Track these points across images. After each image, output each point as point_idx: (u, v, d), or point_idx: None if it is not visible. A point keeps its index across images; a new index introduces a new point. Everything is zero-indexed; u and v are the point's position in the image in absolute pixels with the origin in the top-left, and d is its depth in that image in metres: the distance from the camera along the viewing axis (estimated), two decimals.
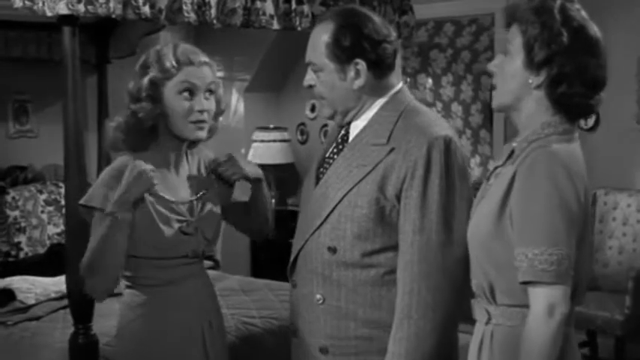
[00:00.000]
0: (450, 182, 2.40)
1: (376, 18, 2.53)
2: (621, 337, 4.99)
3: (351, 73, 2.48)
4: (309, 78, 2.56)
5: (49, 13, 3.04)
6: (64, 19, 3.09)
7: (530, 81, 2.16)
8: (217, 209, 2.80)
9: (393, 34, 2.55)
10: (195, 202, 2.73)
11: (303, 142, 7.51)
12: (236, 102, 7.32)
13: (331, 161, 2.57)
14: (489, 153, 6.96)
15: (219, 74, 7.52)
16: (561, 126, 2.17)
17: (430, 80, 9.25)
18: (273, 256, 7.24)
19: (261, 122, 7.30)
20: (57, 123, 5.61)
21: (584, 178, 2.12)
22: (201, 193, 2.75)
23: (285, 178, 7.46)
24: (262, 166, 6.99)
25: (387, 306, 2.46)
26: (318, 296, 2.51)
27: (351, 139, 2.55)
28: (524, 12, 2.16)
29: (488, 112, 9.02)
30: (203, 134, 2.70)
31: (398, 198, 2.42)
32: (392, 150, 2.43)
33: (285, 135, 7.24)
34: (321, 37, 2.50)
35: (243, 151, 7.34)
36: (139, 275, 2.68)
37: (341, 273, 2.48)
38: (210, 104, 2.69)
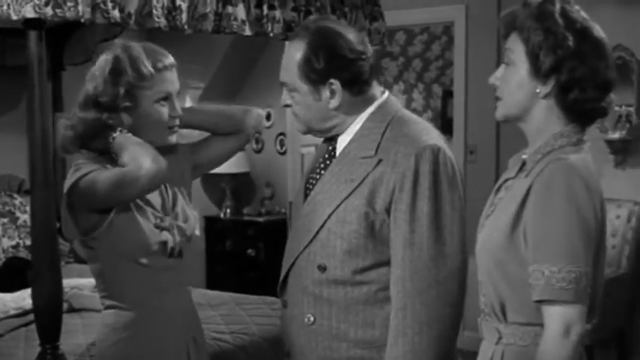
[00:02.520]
0: (439, 193, 2.32)
1: (350, 34, 2.42)
2: (589, 346, 4.98)
3: (326, 94, 2.40)
4: (285, 98, 2.50)
5: (14, 17, 2.93)
6: (29, 23, 2.96)
7: (538, 90, 2.08)
8: (189, 205, 2.72)
9: (369, 49, 2.45)
10: (167, 200, 2.64)
11: (258, 151, 7.42)
12: None
13: (318, 177, 2.49)
14: None
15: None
16: (575, 136, 2.10)
17: (381, 88, 9.26)
18: (228, 268, 7.16)
19: None
20: (11, 132, 5.54)
21: (600, 191, 2.06)
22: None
23: (241, 187, 7.38)
24: (217, 176, 7.07)
25: (380, 325, 2.38)
26: (309, 316, 2.43)
27: (338, 153, 2.47)
28: (524, 20, 2.08)
29: (439, 120, 9.06)
30: (174, 139, 2.63)
31: (388, 211, 2.34)
32: (380, 162, 2.35)
33: None
34: (294, 57, 2.41)
35: None
36: (121, 290, 2.56)
37: (332, 291, 2.39)
38: (180, 107, 2.62)
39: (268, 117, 7.25)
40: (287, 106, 2.51)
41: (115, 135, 2.48)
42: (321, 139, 2.57)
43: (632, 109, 5.48)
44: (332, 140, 2.51)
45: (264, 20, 3.59)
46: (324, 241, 2.39)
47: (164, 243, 2.55)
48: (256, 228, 7.07)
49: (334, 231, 2.37)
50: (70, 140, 2.54)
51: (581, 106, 2.07)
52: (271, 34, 3.62)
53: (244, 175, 7.34)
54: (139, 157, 2.42)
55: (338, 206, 2.37)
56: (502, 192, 2.20)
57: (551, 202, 1.97)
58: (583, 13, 2.12)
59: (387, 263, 2.37)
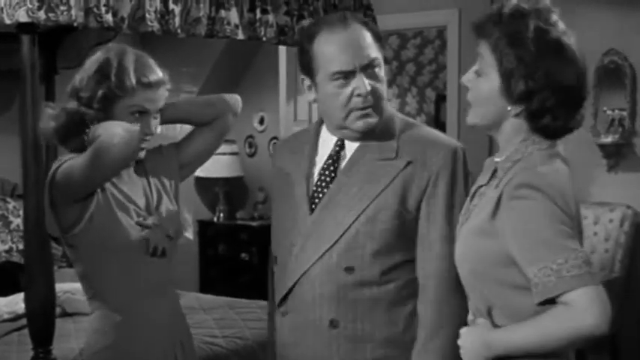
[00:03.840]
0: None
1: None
2: (582, 351, 4.98)
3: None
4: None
5: (7, 21, 2.91)
6: (23, 27, 2.95)
7: (509, 109, 2.08)
8: (173, 205, 2.71)
9: None
10: (151, 200, 2.64)
11: (251, 155, 7.42)
12: None
13: (325, 182, 2.49)
14: None
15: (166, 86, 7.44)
16: (545, 142, 2.10)
17: None
18: (222, 272, 7.15)
19: None
20: (3, 136, 5.51)
21: (573, 195, 2.04)
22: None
23: (234, 191, 7.38)
24: (210, 180, 7.05)
25: (403, 323, 2.43)
26: (330, 320, 2.42)
27: (348, 157, 2.48)
28: (497, 40, 2.05)
29: (433, 124, 9.06)
30: (142, 155, 2.64)
31: (417, 209, 2.41)
32: (408, 164, 2.41)
33: (234, 148, 7.14)
34: (366, 35, 2.43)
35: None
36: (105, 290, 2.56)
37: (357, 293, 2.41)
38: (157, 127, 2.62)
39: (262, 121, 7.25)
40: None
41: (88, 130, 2.49)
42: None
43: (624, 113, 5.50)
44: (336, 148, 2.52)
45: (257, 24, 3.58)
46: (351, 242, 2.40)
47: (146, 240, 2.55)
48: (250, 232, 7.06)
49: (364, 231, 2.40)
50: (51, 131, 2.57)
51: (552, 130, 2.08)
52: (264, 39, 3.62)
53: (238, 179, 7.34)
54: (110, 127, 2.43)
55: (367, 206, 2.40)
56: (476, 199, 2.20)
57: (528, 205, 1.97)
58: (560, 25, 2.08)
59: (410, 261, 2.43)
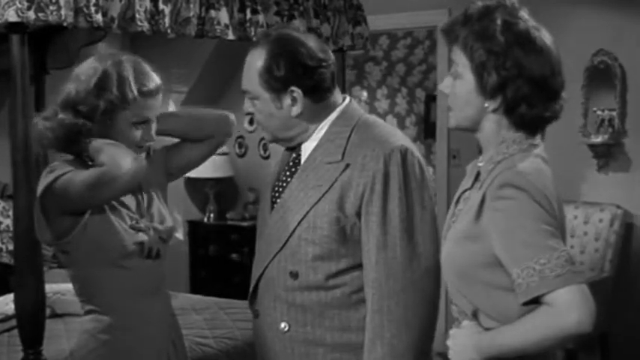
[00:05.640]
0: (409, 194, 2.36)
1: (312, 42, 2.45)
2: (573, 350, 5.00)
3: (288, 101, 2.42)
4: (247, 106, 2.50)
5: None
6: (12, 27, 2.94)
7: (487, 105, 2.08)
8: (164, 207, 2.71)
9: (331, 57, 2.49)
10: (142, 202, 2.64)
11: (241, 156, 7.41)
12: None
13: (285, 184, 2.50)
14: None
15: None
16: (526, 142, 2.10)
17: (365, 93, 9.26)
18: (212, 273, 7.14)
19: None
20: None
21: (555, 194, 2.04)
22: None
23: (224, 191, 7.37)
24: (200, 180, 7.04)
25: (356, 327, 2.40)
26: (283, 324, 2.43)
27: (303, 160, 2.48)
28: (466, 37, 2.07)
29: (422, 124, 9.07)
30: None
31: (358, 215, 2.37)
32: (347, 166, 2.37)
33: (224, 148, 7.12)
34: (255, 65, 2.42)
35: None
36: (99, 294, 2.55)
37: (305, 297, 2.40)
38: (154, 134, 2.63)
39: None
40: (249, 114, 2.50)
41: (89, 140, 2.48)
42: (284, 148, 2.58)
43: (614, 113, 5.50)
44: (295, 148, 2.52)
45: (248, 25, 3.59)
46: (295, 248, 2.40)
47: (140, 244, 2.54)
48: (240, 232, 7.05)
49: (305, 237, 2.38)
50: (48, 142, 2.54)
51: (529, 119, 2.08)
52: (254, 39, 3.55)
53: (228, 179, 7.33)
54: (118, 157, 2.42)
55: (307, 212, 2.38)
56: (461, 203, 2.20)
57: (510, 205, 1.97)
58: (529, 20, 2.09)
59: (359, 266, 2.39)
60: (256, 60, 2.41)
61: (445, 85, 2.17)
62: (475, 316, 2.09)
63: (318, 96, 2.43)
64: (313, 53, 2.41)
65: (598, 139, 5.55)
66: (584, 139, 5.56)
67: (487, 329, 2.05)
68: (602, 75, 5.55)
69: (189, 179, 7.20)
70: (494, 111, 2.08)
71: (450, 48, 2.14)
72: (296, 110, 2.42)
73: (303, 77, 2.40)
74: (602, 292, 5.02)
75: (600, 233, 5.37)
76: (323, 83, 2.43)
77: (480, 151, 2.22)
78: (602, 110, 5.53)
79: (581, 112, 5.56)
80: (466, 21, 2.09)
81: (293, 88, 2.40)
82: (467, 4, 2.15)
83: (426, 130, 8.82)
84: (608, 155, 5.58)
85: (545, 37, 2.09)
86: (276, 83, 2.39)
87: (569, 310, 1.87)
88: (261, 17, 3.62)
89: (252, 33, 3.60)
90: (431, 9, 6.32)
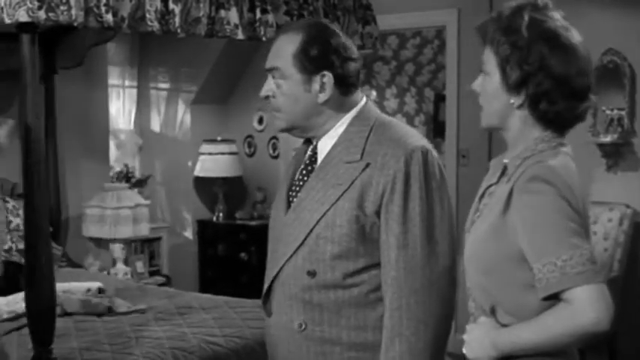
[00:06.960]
0: (430, 194, 2.36)
1: (343, 36, 2.47)
2: (582, 350, 4.97)
3: (316, 86, 2.41)
4: (269, 88, 2.47)
5: (7, 21, 2.92)
6: (22, 27, 2.96)
7: (512, 101, 2.10)
8: None
9: (360, 55, 2.51)
10: None
11: (250, 155, 7.42)
12: (182, 114, 7.18)
13: (301, 183, 2.49)
14: None
15: (165, 86, 7.47)
16: (554, 140, 2.11)
17: (374, 92, 9.27)
18: (221, 272, 7.15)
19: (208, 135, 7.17)
20: None
21: (583, 192, 2.06)
22: None
23: (233, 191, 7.37)
24: (209, 179, 7.05)
25: (372, 326, 2.40)
26: (299, 323, 2.43)
27: (320, 158, 2.48)
28: (494, 32, 2.10)
29: (431, 124, 9.07)
30: None
31: (377, 214, 2.36)
32: (367, 165, 2.37)
33: (233, 148, 7.14)
34: (289, 45, 2.42)
35: (190, 164, 7.22)
36: None
37: (322, 296, 2.40)
38: None
39: (261, 121, 7.25)
40: (267, 97, 2.48)
41: None
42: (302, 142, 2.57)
43: (623, 112, 5.49)
44: (310, 143, 2.53)
45: (257, 24, 3.60)
46: (313, 246, 2.39)
47: None
48: (249, 232, 7.05)
49: (324, 236, 2.38)
50: None
51: (553, 116, 2.08)
52: (264, 38, 3.63)
53: (237, 179, 7.33)
54: None
55: (327, 211, 2.38)
56: (486, 198, 2.21)
57: (537, 200, 1.98)
58: (557, 19, 2.11)
59: (377, 265, 2.38)
60: (291, 41, 2.42)
61: (476, 84, 2.19)
62: (493, 312, 2.09)
63: (345, 88, 2.44)
64: (346, 45, 2.45)
65: (607, 139, 5.54)
66: (593, 139, 5.54)
67: (504, 326, 2.06)
68: (611, 74, 5.54)
69: (198, 179, 7.22)
70: (520, 107, 2.09)
71: (483, 48, 2.16)
72: (323, 97, 2.42)
73: (336, 64, 2.41)
74: (610, 292, 5.00)
75: (609, 233, 5.36)
76: (351, 76, 2.45)
77: (489, 152, 2.22)
78: (612, 110, 5.52)
79: (591, 111, 5.53)
80: (498, 19, 2.12)
81: (325, 72, 2.41)
82: (476, 4, 2.16)
83: (435, 130, 8.82)
84: (617, 155, 5.58)
85: (574, 37, 2.10)
86: (310, 65, 2.40)
87: (587, 308, 1.89)
88: (270, 17, 3.63)
89: (262, 33, 3.61)
90: (440, 8, 6.32)
